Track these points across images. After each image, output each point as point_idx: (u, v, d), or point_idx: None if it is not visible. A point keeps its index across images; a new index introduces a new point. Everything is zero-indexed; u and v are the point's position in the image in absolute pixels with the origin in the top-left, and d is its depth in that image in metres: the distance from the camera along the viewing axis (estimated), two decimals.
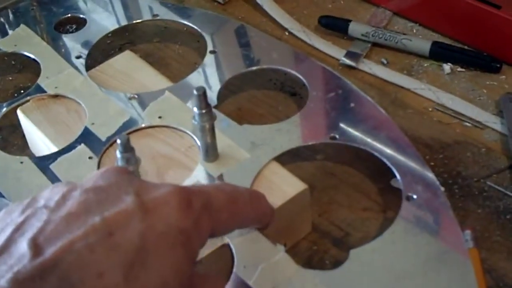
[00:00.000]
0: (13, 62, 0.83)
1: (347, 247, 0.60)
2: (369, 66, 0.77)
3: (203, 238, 0.42)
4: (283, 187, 0.59)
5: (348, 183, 0.66)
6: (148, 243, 0.38)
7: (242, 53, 0.75)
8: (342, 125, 0.64)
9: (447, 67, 0.76)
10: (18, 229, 0.39)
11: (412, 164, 0.60)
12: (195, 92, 0.58)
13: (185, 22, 0.81)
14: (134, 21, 0.82)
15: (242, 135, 0.64)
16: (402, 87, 0.75)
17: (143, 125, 0.67)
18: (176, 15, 0.81)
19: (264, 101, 0.76)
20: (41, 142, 0.68)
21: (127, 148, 0.56)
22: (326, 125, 0.65)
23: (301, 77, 0.70)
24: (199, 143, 0.64)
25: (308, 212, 0.61)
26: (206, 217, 0.42)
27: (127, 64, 0.75)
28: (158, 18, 0.82)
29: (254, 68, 0.73)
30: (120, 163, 0.56)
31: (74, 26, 0.85)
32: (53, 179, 0.63)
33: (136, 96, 0.70)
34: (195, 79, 0.72)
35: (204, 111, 0.59)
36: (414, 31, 0.82)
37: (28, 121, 0.69)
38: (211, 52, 0.75)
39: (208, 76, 0.72)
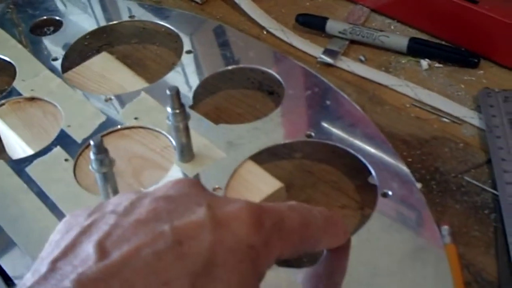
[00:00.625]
0: None
1: None
2: (347, 64, 0.76)
3: (271, 257, 0.40)
4: (259, 185, 0.59)
5: (326, 181, 0.65)
6: (217, 256, 0.36)
7: (219, 52, 0.74)
8: (318, 123, 0.64)
9: (424, 63, 0.75)
10: (85, 232, 0.37)
11: (387, 160, 0.60)
12: (168, 92, 0.57)
13: (162, 23, 0.80)
14: (112, 23, 0.80)
15: (218, 135, 0.64)
16: (380, 84, 0.75)
17: (119, 127, 0.66)
18: (153, 15, 0.81)
19: (242, 100, 0.75)
20: (17, 146, 0.68)
21: (101, 150, 0.55)
22: (302, 123, 0.64)
23: (277, 76, 0.69)
24: (174, 143, 0.63)
25: None
26: (276, 237, 0.40)
27: (103, 66, 0.74)
28: (135, 19, 0.81)
29: (231, 67, 0.72)
30: (94, 165, 0.55)
31: (51, 28, 0.84)
32: (29, 182, 0.62)
33: (112, 98, 0.69)
34: (171, 79, 0.71)
35: (177, 111, 0.59)
36: (392, 27, 0.81)
37: (4, 125, 0.68)
38: (187, 52, 0.74)
39: (185, 76, 0.72)
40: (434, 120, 0.70)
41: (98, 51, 0.83)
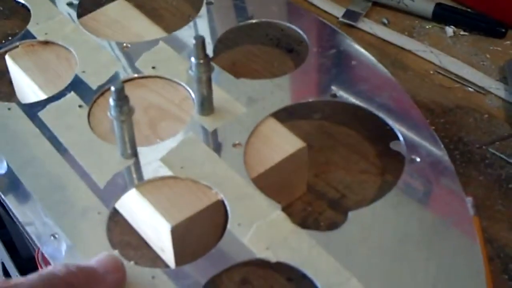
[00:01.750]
0: (0, 8, 0.78)
1: (343, 209, 0.57)
2: (369, 26, 0.74)
3: None
4: (281, 144, 0.56)
5: (346, 144, 0.63)
6: None
7: (239, 5, 0.71)
8: (343, 83, 0.61)
9: (449, 30, 0.72)
10: None
11: (416, 126, 0.57)
12: (193, 40, 0.54)
13: None
14: None
15: (239, 89, 0.61)
16: (403, 49, 0.72)
17: (135, 75, 0.63)
18: None
19: (259, 56, 0.72)
20: (29, 89, 0.64)
21: (121, 96, 0.52)
22: (326, 83, 0.61)
23: (301, 32, 0.66)
24: (193, 95, 0.60)
25: (305, 171, 0.58)
26: None
27: (120, 13, 0.71)
28: None
29: (253, 21, 0.69)
30: (113, 111, 0.53)
31: None
32: (41, 127, 0.59)
33: (129, 46, 0.66)
34: (189, 30, 0.68)
35: (202, 61, 0.56)
36: None
37: (17, 67, 0.65)
38: (207, 3, 0.71)
39: (204, 28, 0.68)
40: (458, 89, 0.67)
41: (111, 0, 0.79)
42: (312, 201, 0.59)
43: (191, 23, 0.69)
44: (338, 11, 0.76)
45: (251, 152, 0.56)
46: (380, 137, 0.61)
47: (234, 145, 0.56)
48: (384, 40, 0.73)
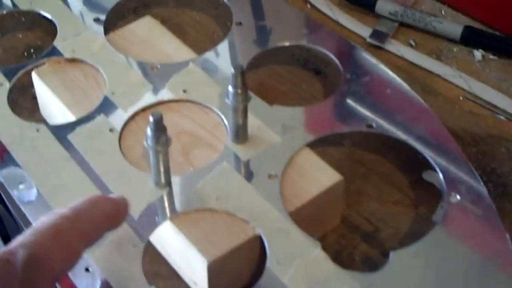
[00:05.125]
0: (23, 19, 0.75)
1: (377, 244, 0.55)
2: (397, 48, 0.71)
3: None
4: (317, 176, 0.53)
5: (378, 173, 0.60)
6: None
7: (267, 26, 0.68)
8: (379, 113, 0.58)
9: (478, 53, 0.70)
10: None
11: (454, 161, 0.54)
12: (232, 70, 0.52)
13: None
14: None
15: (272, 117, 0.58)
16: (431, 72, 0.69)
17: (166, 98, 0.60)
18: None
19: (286, 77, 0.69)
20: (55, 108, 0.61)
21: (160, 126, 0.49)
22: (361, 112, 0.58)
23: (334, 58, 0.63)
24: (226, 121, 0.58)
25: (340, 204, 0.55)
26: (35, 271, 0.40)
27: (148, 31, 0.67)
28: None
29: (285, 44, 0.66)
30: (149, 141, 0.50)
31: None
32: (71, 150, 0.56)
33: (158, 66, 0.63)
34: (219, 51, 0.65)
35: (240, 91, 0.53)
36: (443, 12, 0.75)
37: (43, 85, 0.62)
38: (237, 23, 0.67)
39: (233, 50, 0.65)
40: (489, 116, 0.65)
41: (134, 12, 0.76)
42: (346, 233, 0.56)
43: (221, 45, 0.65)
44: (364, 31, 0.73)
45: (287, 184, 0.53)
46: (412, 166, 0.59)
47: (270, 177, 0.54)
48: (411, 63, 0.70)
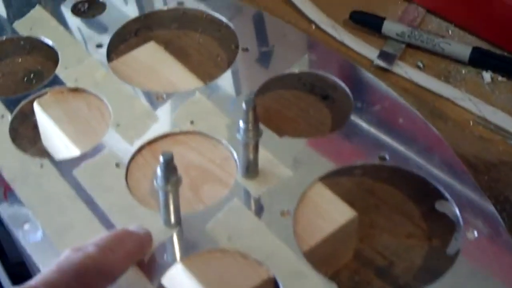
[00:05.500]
0: (22, 43, 0.73)
1: (391, 279, 0.54)
2: (404, 70, 0.69)
3: None
4: (331, 213, 0.52)
5: (389, 204, 0.59)
6: None
7: (274, 52, 0.66)
8: (392, 144, 0.57)
9: (487, 75, 0.68)
10: None
11: (470, 195, 0.53)
12: (244, 105, 0.50)
13: (215, 14, 0.71)
14: (159, 9, 0.72)
15: (283, 149, 0.57)
16: (440, 96, 0.67)
17: (173, 130, 0.58)
18: (202, 2, 0.72)
19: (293, 103, 0.68)
20: (59, 141, 0.60)
21: (170, 167, 0.48)
22: (374, 144, 0.57)
23: (342, 84, 0.62)
24: (235, 154, 0.56)
25: (353, 239, 0.54)
26: None
27: (151, 57, 0.66)
28: (184, 6, 0.72)
29: (295, 71, 0.64)
30: (159, 181, 0.48)
31: (91, 10, 0.75)
32: (77, 187, 0.55)
33: (164, 96, 0.61)
34: (226, 79, 0.63)
35: (251, 126, 0.51)
36: (450, 32, 0.74)
37: (46, 116, 0.60)
38: (244, 49, 0.66)
39: (239, 78, 0.64)
40: (500, 141, 0.64)
41: (136, 35, 0.74)
42: (359, 268, 0.55)
43: (227, 72, 0.64)
44: (371, 53, 0.71)
45: (300, 221, 0.52)
46: (424, 196, 0.58)
47: (282, 214, 0.52)
48: (419, 86, 0.68)
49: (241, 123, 0.51)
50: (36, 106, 0.61)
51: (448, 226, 0.55)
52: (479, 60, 0.69)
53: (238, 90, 0.62)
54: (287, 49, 0.66)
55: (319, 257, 0.51)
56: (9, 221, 0.53)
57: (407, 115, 0.59)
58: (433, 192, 0.56)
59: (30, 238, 0.52)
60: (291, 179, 0.54)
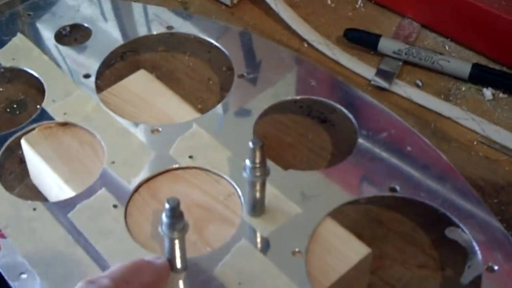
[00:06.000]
0: (1, 70, 0.70)
1: None
2: (403, 89, 0.68)
3: None
4: (344, 251, 0.50)
5: (398, 233, 0.57)
6: None
7: (271, 78, 0.64)
8: (402, 174, 0.55)
9: (488, 92, 0.67)
10: None
11: (487, 226, 0.52)
12: (251, 145, 0.48)
13: (203, 35, 0.69)
14: (148, 34, 0.69)
15: (289, 183, 0.54)
16: (441, 115, 0.66)
17: (173, 166, 0.56)
18: (193, 26, 0.69)
19: (291, 127, 0.66)
20: (50, 179, 0.57)
21: (176, 213, 0.45)
22: (383, 174, 0.55)
23: (350, 115, 0.60)
24: (238, 190, 0.54)
25: (367, 274, 0.52)
26: None
27: (143, 87, 0.63)
28: (173, 30, 0.69)
29: (296, 98, 0.62)
30: (165, 228, 0.46)
31: (73, 34, 0.72)
32: (74, 232, 0.52)
33: (159, 129, 0.58)
34: (223, 108, 0.61)
35: (258, 165, 0.49)
36: (447, 47, 0.72)
37: (35, 154, 0.57)
38: (239, 76, 0.64)
39: (237, 106, 0.61)
40: (506, 161, 0.62)
41: (122, 58, 0.72)
42: None
43: (225, 101, 0.61)
44: (367, 72, 0.70)
45: (313, 261, 0.50)
46: (433, 223, 0.56)
47: (294, 254, 0.50)
48: (419, 105, 0.67)
49: (247, 162, 0.49)
50: (24, 144, 0.58)
51: (459, 254, 0.54)
52: (479, 76, 0.68)
53: (236, 120, 0.59)
54: (283, 73, 0.64)
55: None
56: (4, 271, 0.50)
57: (414, 140, 0.57)
58: (442, 219, 0.54)
59: None
60: (300, 215, 0.52)
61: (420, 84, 0.69)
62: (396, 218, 0.58)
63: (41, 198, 0.59)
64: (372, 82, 0.68)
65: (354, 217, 0.58)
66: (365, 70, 0.70)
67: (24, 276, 0.50)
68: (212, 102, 0.67)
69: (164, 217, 0.46)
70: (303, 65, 0.65)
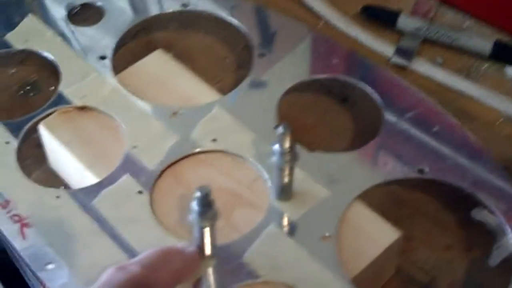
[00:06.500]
0: (13, 52, 0.68)
1: None
2: (424, 67, 0.67)
3: None
4: (375, 235, 0.50)
5: (423, 214, 0.57)
6: None
7: (294, 55, 0.63)
8: (430, 155, 0.54)
9: (510, 70, 0.66)
10: None
11: (506, 196, 0.51)
12: (280, 129, 0.47)
13: (218, 12, 0.67)
14: (163, 12, 0.67)
15: (315, 166, 0.54)
16: (462, 94, 0.65)
17: (196, 150, 0.55)
18: (208, 2, 0.68)
19: (310, 108, 0.65)
20: (71, 165, 0.56)
21: (207, 202, 0.44)
22: (411, 155, 0.55)
23: (376, 94, 0.59)
24: (264, 173, 0.53)
25: (397, 257, 0.52)
26: None
27: (161, 68, 0.62)
28: (189, 8, 0.68)
29: (321, 76, 0.61)
30: (195, 217, 0.45)
31: (87, 17, 0.71)
32: (100, 220, 0.51)
33: (180, 112, 0.58)
34: (244, 89, 0.60)
35: (288, 150, 0.48)
36: (466, 24, 0.71)
37: (54, 139, 0.56)
38: (259, 55, 0.63)
39: (258, 85, 0.60)
40: None
41: (134, 37, 0.70)
42: (401, 287, 0.53)
43: (246, 81, 0.60)
44: (386, 49, 0.69)
45: (343, 246, 0.49)
46: (458, 204, 0.56)
47: (324, 238, 0.50)
48: (440, 84, 0.66)
49: (276, 147, 0.48)
50: (42, 128, 0.57)
51: (487, 235, 0.54)
52: (501, 54, 0.67)
53: (258, 101, 0.59)
54: (303, 51, 0.63)
55: (364, 280, 0.49)
56: (30, 261, 0.49)
57: (441, 119, 0.57)
58: (467, 200, 0.54)
59: (56, 279, 0.48)
60: (328, 199, 0.52)
61: (440, 62, 0.68)
62: (421, 198, 0.58)
63: (61, 183, 0.58)
64: (392, 60, 0.67)
65: (378, 199, 0.57)
66: (384, 48, 0.69)
67: (51, 266, 0.49)
68: (229, 81, 0.66)
69: (194, 206, 0.45)
70: (325, 43, 0.64)
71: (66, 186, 0.58)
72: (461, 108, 0.64)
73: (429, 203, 0.57)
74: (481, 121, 0.63)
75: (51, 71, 0.65)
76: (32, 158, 0.61)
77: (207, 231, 0.46)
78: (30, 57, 0.67)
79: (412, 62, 0.67)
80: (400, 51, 0.68)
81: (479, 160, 0.54)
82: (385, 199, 0.58)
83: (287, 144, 0.48)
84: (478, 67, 0.68)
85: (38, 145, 0.61)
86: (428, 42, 0.69)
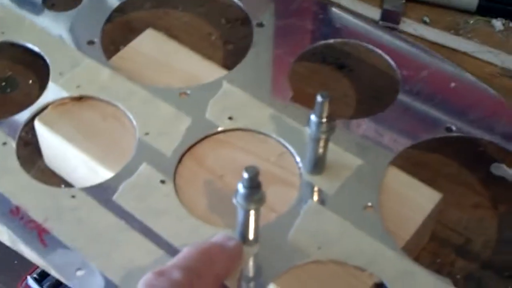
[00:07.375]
0: None
1: (472, 256, 0.50)
2: (412, 27, 0.64)
3: None
4: (418, 200, 0.47)
5: (445, 175, 0.55)
6: None
7: (290, 23, 0.59)
8: (454, 113, 0.52)
9: (498, 23, 0.65)
10: None
11: None
12: (319, 98, 0.43)
13: None
14: None
15: (340, 134, 0.50)
16: (455, 50, 0.63)
17: (211, 131, 0.51)
18: None
19: (309, 76, 0.61)
20: (75, 161, 0.51)
21: (255, 183, 0.40)
22: (435, 114, 0.52)
23: (387, 57, 0.55)
24: (290, 147, 0.49)
25: (433, 220, 0.49)
26: None
27: (155, 47, 0.57)
28: None
29: (329, 41, 0.57)
30: (240, 199, 0.41)
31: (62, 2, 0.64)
32: (124, 215, 0.46)
33: (188, 92, 0.53)
34: (249, 62, 0.56)
35: (325, 120, 0.45)
36: None
37: (54, 135, 0.51)
38: (257, 25, 0.58)
39: (263, 58, 0.56)
40: None
41: (109, 21, 0.64)
42: (438, 250, 0.51)
43: (250, 54, 0.56)
44: (372, 13, 0.66)
45: (387, 214, 0.47)
46: (477, 162, 0.54)
47: (366, 208, 0.46)
48: (432, 42, 0.64)
49: (313, 117, 0.45)
50: (38, 125, 0.51)
51: (510, 190, 0.52)
52: (487, 7, 0.65)
53: (267, 73, 0.54)
54: (298, 18, 0.59)
55: (411, 247, 0.46)
56: (57, 271, 0.44)
57: (456, 75, 0.54)
58: (484, 155, 0.52)
59: (89, 285, 0.43)
60: (362, 167, 0.48)
61: (427, 21, 0.65)
62: (440, 159, 0.56)
63: (60, 182, 0.52)
64: (380, 23, 0.64)
65: (398, 163, 0.55)
66: (370, 11, 0.66)
67: (81, 272, 0.44)
68: (218, 58, 0.62)
69: (241, 188, 0.41)
70: (326, 9, 0.60)
71: (67, 184, 0.52)
72: (458, 65, 0.62)
73: (448, 164, 0.55)
74: (478, 76, 0.61)
75: (26, 63, 0.59)
76: (24, 158, 0.55)
77: (252, 214, 0.42)
78: (3, 50, 0.61)
79: (400, 24, 0.64)
80: (386, 13, 0.65)
81: (500, 113, 0.52)
82: (403, 163, 0.55)
83: (325, 113, 0.44)
84: (465, 22, 0.66)
85: (27, 143, 0.55)
86: (412, 1, 0.67)
